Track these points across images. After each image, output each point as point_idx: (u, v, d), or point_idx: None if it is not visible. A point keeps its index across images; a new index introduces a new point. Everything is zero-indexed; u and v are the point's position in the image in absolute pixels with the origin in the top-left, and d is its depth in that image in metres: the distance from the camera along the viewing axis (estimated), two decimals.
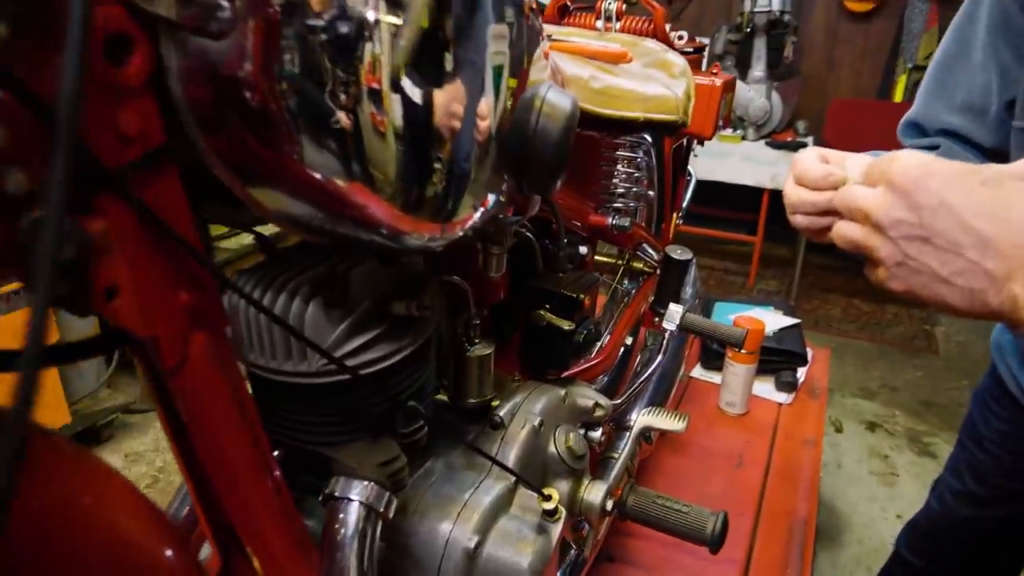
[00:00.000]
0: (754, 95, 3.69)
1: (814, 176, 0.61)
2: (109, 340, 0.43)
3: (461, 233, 0.55)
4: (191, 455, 0.52)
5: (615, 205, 1.03)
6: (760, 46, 3.69)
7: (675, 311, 1.08)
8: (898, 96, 4.12)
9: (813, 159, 0.63)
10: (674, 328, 1.08)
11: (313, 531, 0.69)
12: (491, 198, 0.58)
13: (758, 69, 3.73)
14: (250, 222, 0.59)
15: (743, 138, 3.75)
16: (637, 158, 1.03)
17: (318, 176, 0.44)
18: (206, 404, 0.49)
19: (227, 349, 0.49)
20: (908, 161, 0.51)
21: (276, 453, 0.68)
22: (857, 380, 2.94)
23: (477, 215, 0.56)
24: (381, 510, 0.60)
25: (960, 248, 0.48)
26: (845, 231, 0.57)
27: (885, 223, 0.51)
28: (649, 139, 1.08)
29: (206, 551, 0.66)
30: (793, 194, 0.64)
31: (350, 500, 0.58)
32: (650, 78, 0.91)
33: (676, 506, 0.89)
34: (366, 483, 0.59)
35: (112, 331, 0.44)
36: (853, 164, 0.60)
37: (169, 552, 0.47)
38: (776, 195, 3.54)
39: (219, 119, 0.42)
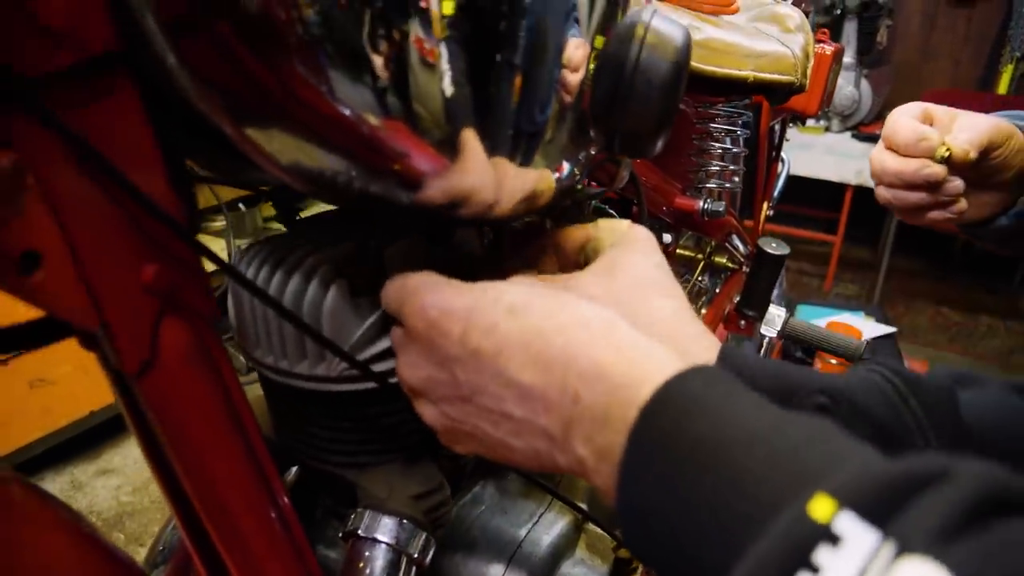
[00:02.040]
0: (842, 83, 3.42)
1: (904, 137, 0.47)
2: (47, 329, 0.31)
3: (528, 204, 0.42)
4: (173, 478, 0.40)
5: (708, 186, 0.87)
6: (851, 30, 3.42)
7: (776, 315, 0.92)
8: (1002, 88, 3.78)
9: (910, 117, 0.49)
10: (774, 335, 0.92)
11: (336, 565, 0.57)
12: (567, 164, 0.44)
13: (848, 55, 3.45)
14: (260, 179, 0.47)
15: (827, 129, 3.49)
16: (736, 132, 0.87)
17: (343, 110, 0.31)
18: (186, 417, 0.36)
19: (215, 343, 0.37)
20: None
21: (293, 470, 0.56)
22: None
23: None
24: (416, 555, 0.47)
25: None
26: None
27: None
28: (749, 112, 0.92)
29: None
30: (877, 159, 0.51)
31: (377, 541, 0.46)
32: (760, 32, 0.75)
33: None
34: (398, 519, 0.46)
35: (52, 319, 0.32)
36: (964, 127, 0.46)
37: None
38: (860, 192, 3.28)
39: (197, 19, 0.29)
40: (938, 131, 0.56)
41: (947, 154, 0.57)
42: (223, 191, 0.54)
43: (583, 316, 0.34)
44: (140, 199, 0.29)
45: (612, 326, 0.34)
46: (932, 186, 0.59)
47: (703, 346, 0.40)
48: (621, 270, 0.43)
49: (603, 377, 0.31)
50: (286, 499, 0.45)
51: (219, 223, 2.16)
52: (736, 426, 0.27)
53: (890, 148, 0.50)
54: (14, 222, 0.26)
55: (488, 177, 0.37)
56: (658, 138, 0.47)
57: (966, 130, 0.45)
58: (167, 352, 0.34)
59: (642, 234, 0.45)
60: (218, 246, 2.16)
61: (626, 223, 0.46)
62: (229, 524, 0.41)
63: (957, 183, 0.60)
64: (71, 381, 1.87)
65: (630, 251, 0.44)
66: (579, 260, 0.47)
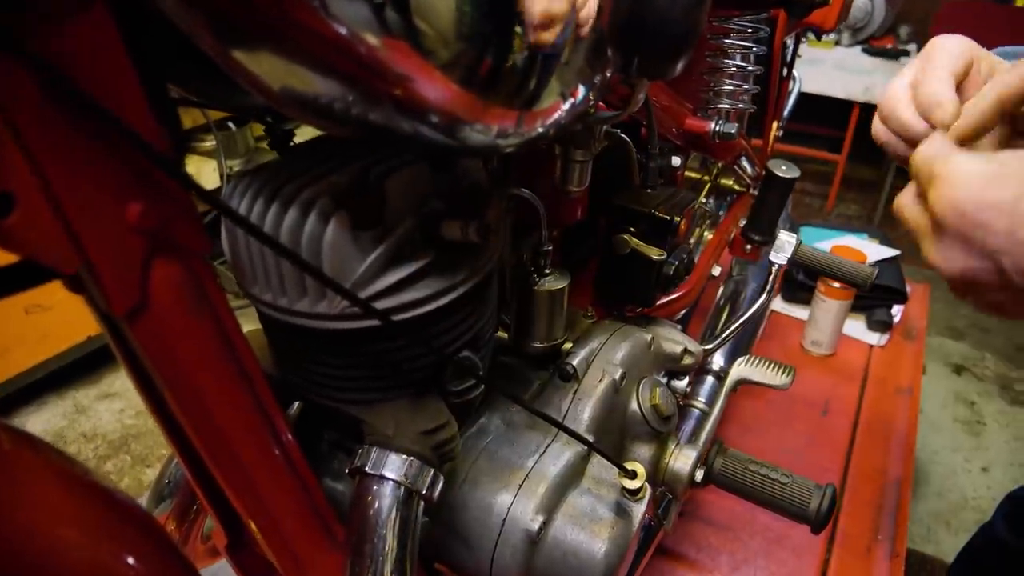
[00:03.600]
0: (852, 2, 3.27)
1: (929, 94, 0.43)
2: (22, 273, 0.29)
3: (541, 130, 0.39)
4: (174, 418, 0.39)
5: (721, 106, 0.83)
6: None
7: (787, 241, 0.90)
8: (1020, 0, 3.62)
9: (947, 58, 0.45)
10: (783, 262, 0.90)
11: (343, 497, 0.57)
12: (582, 88, 0.41)
13: None
14: (250, 104, 0.44)
15: (836, 43, 3.36)
16: (751, 48, 0.82)
17: (339, 28, 0.28)
18: (181, 358, 0.35)
19: (210, 280, 0.35)
20: (956, 185, 0.37)
21: (296, 405, 0.55)
22: (944, 318, 2.69)
23: (565, 107, 0.40)
24: (423, 491, 0.46)
25: None
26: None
27: (955, 276, 0.40)
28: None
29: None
30: (889, 100, 0.46)
31: (384, 479, 0.45)
32: None
33: (774, 475, 0.74)
34: (404, 457, 0.46)
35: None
36: (997, 85, 0.40)
37: (131, 560, 0.34)
38: (866, 110, 3.19)
39: None
40: (960, 97, 0.49)
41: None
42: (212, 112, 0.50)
43: None
44: (119, 130, 0.26)
45: None
46: None
47: None
48: None
49: None
50: (290, 436, 0.44)
51: (208, 143, 2.09)
52: None
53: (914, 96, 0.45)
54: None
55: (497, 104, 0.34)
56: (679, 59, 0.43)
57: (1003, 87, 0.40)
58: (158, 293, 0.32)
59: None
60: (208, 167, 2.11)
61: None
62: (232, 463, 0.40)
63: None
64: (67, 307, 1.86)
65: None
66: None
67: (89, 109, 0.25)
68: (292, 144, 0.49)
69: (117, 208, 0.29)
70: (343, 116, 0.32)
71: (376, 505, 0.46)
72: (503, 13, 0.31)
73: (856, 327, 1.59)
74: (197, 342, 0.35)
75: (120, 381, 2.06)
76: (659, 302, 0.84)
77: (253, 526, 0.45)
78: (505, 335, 0.68)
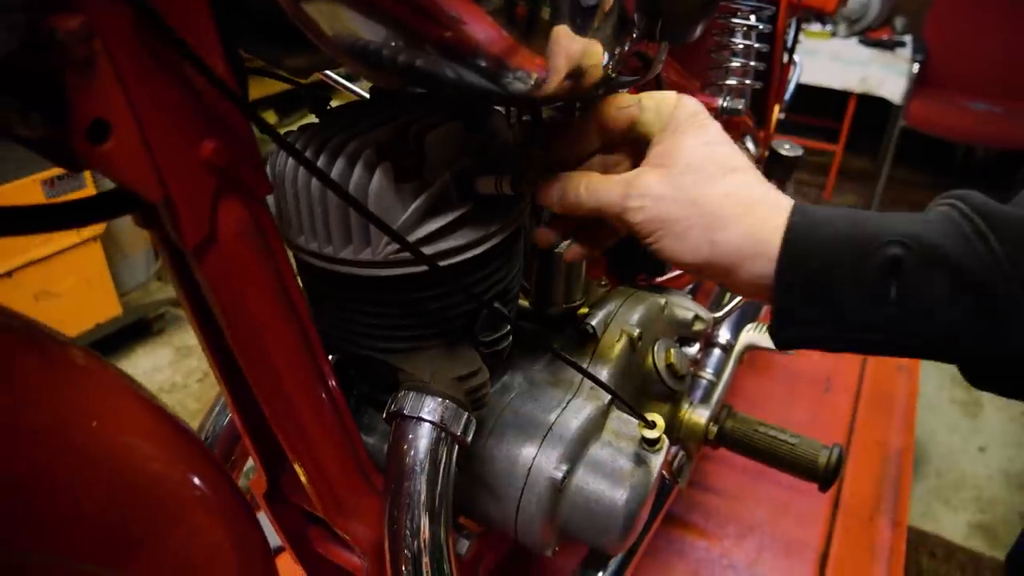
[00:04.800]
0: None
1: None
2: (106, 203, 0.31)
3: (572, 84, 0.41)
4: (227, 358, 0.42)
5: (728, 83, 0.86)
6: None
7: None
8: None
9: None
10: None
11: (373, 449, 0.60)
12: (606, 55, 0.43)
13: None
14: (297, 66, 0.46)
15: (833, 34, 3.39)
16: (757, 27, 0.85)
17: None
18: (243, 294, 0.37)
19: (269, 223, 0.37)
20: None
21: (330, 358, 0.58)
22: None
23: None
24: (459, 433, 0.49)
25: None
26: None
27: None
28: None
29: (251, 463, 0.57)
30: None
31: (421, 420, 0.48)
32: None
33: (783, 436, 0.77)
34: (440, 400, 0.48)
35: (118, 191, 0.32)
36: None
37: (196, 480, 0.37)
38: (863, 100, 3.23)
39: None
40: None
41: None
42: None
43: None
44: (201, 66, 0.29)
45: None
46: None
47: (771, 215, 0.41)
48: (677, 160, 0.43)
49: None
50: (334, 381, 0.47)
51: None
52: None
53: None
54: (85, 89, 0.26)
55: (537, 53, 0.36)
56: (701, 20, 0.46)
57: None
58: (225, 229, 0.34)
59: (688, 110, 0.45)
60: None
61: (673, 97, 0.45)
62: (283, 401, 0.43)
63: None
64: (75, 294, 1.88)
65: (680, 135, 0.44)
66: (626, 138, 0.47)
67: (176, 46, 0.28)
68: (329, 108, 0.51)
69: (193, 144, 0.31)
70: (397, 63, 0.35)
71: (414, 447, 0.48)
72: None
73: None
74: (257, 279, 0.37)
75: (130, 368, 2.08)
76: (669, 274, 0.87)
77: (298, 467, 0.47)
78: (525, 303, 0.70)
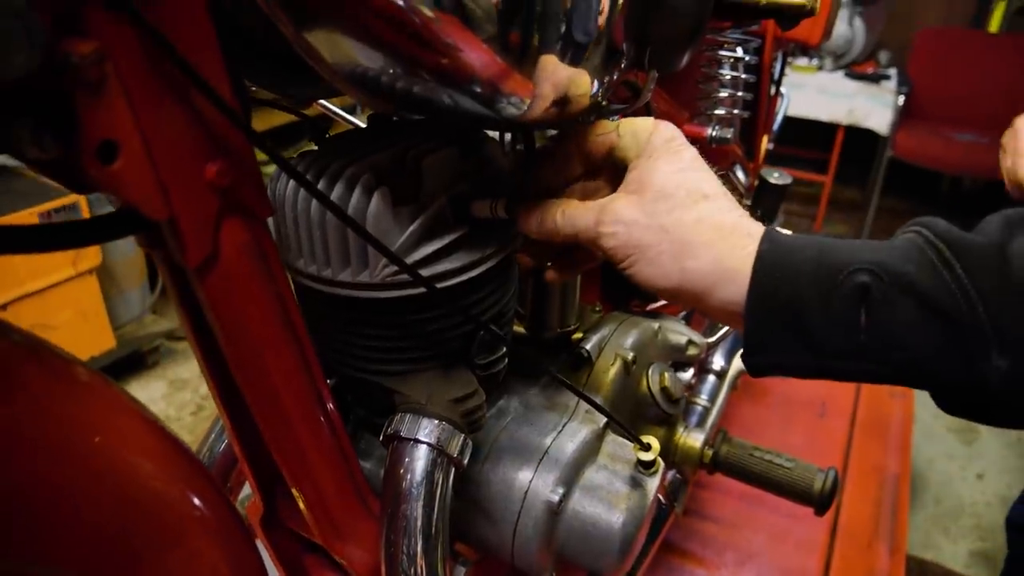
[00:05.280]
0: (837, 21, 3.38)
1: None
2: (112, 223, 0.32)
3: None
4: (227, 381, 0.42)
5: (717, 113, 0.88)
6: None
7: None
8: (993, 26, 3.74)
9: None
10: None
11: (369, 474, 0.60)
12: (596, 83, 0.45)
13: None
14: (298, 95, 0.48)
15: (819, 68, 3.47)
16: (744, 58, 0.87)
17: (398, 2, 0.32)
18: (244, 314, 0.38)
19: (270, 244, 0.38)
20: None
21: (328, 383, 0.58)
22: None
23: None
24: (455, 455, 0.49)
25: None
26: None
27: None
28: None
29: (247, 491, 0.57)
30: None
31: (418, 442, 0.48)
32: None
33: (778, 460, 0.77)
34: (437, 421, 0.49)
35: (122, 212, 0.33)
36: None
37: (196, 500, 0.37)
38: (851, 132, 3.28)
39: None
40: None
41: None
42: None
43: None
44: (207, 91, 0.30)
45: None
46: None
47: (742, 242, 0.41)
48: (650, 187, 0.44)
49: None
50: (332, 405, 0.47)
51: None
52: None
53: None
54: (95, 110, 0.27)
55: (531, 79, 0.37)
56: (688, 48, 0.47)
57: None
58: (227, 248, 0.35)
59: (663, 136, 0.46)
60: None
61: (650, 123, 0.47)
62: (282, 423, 0.43)
63: None
64: (71, 327, 1.88)
65: (655, 160, 0.45)
66: (606, 164, 0.48)
67: (184, 69, 0.29)
68: (327, 136, 0.53)
69: (198, 165, 0.32)
70: (395, 90, 0.36)
71: (411, 469, 0.48)
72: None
73: None
74: (258, 299, 0.38)
75: None
76: (663, 299, 0.88)
77: (295, 491, 0.47)
78: (520, 328, 0.71)
